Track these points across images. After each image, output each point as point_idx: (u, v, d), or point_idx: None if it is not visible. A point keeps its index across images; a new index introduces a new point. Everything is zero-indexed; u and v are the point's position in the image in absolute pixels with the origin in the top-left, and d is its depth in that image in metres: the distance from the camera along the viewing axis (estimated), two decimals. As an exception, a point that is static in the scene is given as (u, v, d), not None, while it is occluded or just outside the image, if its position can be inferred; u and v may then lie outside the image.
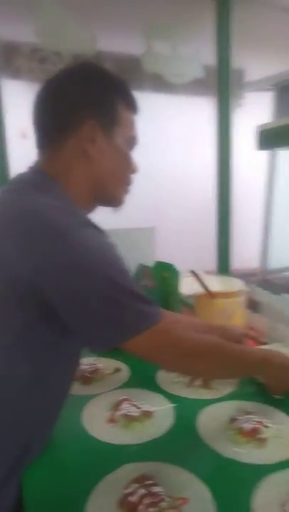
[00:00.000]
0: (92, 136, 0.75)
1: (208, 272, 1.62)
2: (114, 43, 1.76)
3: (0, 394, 0.69)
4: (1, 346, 0.67)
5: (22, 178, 0.77)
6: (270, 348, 1.03)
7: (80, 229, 0.66)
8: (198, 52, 1.54)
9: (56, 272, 0.62)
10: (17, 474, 0.70)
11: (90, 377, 1.03)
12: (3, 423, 0.69)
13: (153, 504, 0.59)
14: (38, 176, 0.75)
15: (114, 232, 1.45)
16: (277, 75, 1.80)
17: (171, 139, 2.02)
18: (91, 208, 0.81)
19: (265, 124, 1.08)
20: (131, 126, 0.82)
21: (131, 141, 0.82)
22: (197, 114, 2.03)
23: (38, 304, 0.65)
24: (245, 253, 2.19)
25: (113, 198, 0.82)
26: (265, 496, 0.64)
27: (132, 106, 0.81)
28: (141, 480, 0.64)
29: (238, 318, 1.27)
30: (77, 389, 0.99)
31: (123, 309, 0.66)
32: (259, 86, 1.99)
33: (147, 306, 0.68)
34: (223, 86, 1.53)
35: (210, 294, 1.25)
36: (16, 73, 2.34)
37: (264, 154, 2.12)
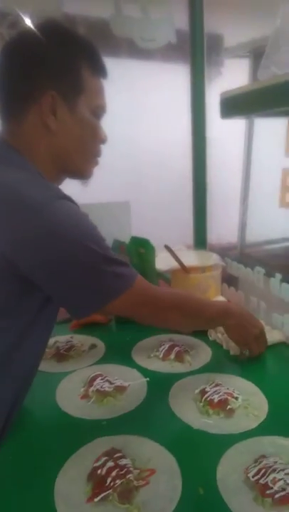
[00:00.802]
0: (53, 109, 0.70)
1: (187, 247, 1.62)
2: (86, 5, 1.67)
3: None
4: None
5: None
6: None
7: (55, 201, 0.65)
8: (171, 16, 1.46)
9: (33, 244, 0.63)
10: None
11: (65, 355, 1.04)
12: None
13: (120, 476, 0.61)
14: (4, 150, 0.72)
15: (88, 206, 1.43)
16: (252, 40, 1.75)
17: (146, 109, 1.96)
18: (58, 180, 0.79)
19: (227, 92, 1.04)
20: (98, 93, 0.76)
21: (98, 110, 0.76)
22: (173, 82, 1.97)
23: (18, 278, 0.65)
24: (225, 227, 2.19)
25: (80, 171, 0.79)
26: (229, 464, 0.66)
27: (99, 71, 0.75)
28: (110, 453, 0.66)
29: (213, 292, 1.29)
30: (52, 366, 1.00)
31: (101, 274, 0.68)
32: (237, 52, 1.93)
33: (123, 268, 0.71)
34: (197, 51, 1.47)
35: (185, 269, 1.25)
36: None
37: (242, 124, 2.08)
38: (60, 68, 0.71)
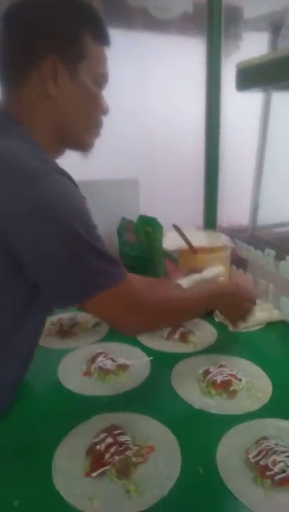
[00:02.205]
0: (54, 74, 0.67)
1: (197, 228, 1.59)
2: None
3: None
4: None
5: None
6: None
7: (49, 174, 0.61)
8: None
9: (20, 216, 0.59)
10: None
11: (68, 332, 1.04)
12: None
13: (119, 452, 0.61)
14: (2, 120, 0.69)
15: (96, 183, 1.42)
16: (273, 12, 1.66)
17: (159, 83, 1.89)
18: (58, 152, 0.76)
19: (244, 62, 0.98)
20: (100, 61, 0.73)
21: (100, 79, 0.73)
22: (188, 56, 1.89)
23: (6, 255, 0.62)
24: (236, 209, 2.14)
25: (81, 142, 0.76)
26: (230, 444, 0.66)
27: (102, 38, 0.72)
28: (110, 430, 0.66)
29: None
30: (55, 342, 1.00)
31: (83, 264, 0.62)
32: (256, 25, 1.84)
33: (110, 264, 0.65)
34: (214, 23, 1.40)
35: (192, 249, 1.23)
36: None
37: (258, 102, 2.01)
38: (61, 32, 0.68)
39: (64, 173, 0.65)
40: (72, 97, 0.70)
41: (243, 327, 1.04)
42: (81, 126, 0.74)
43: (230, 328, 1.05)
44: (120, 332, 0.76)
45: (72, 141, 0.75)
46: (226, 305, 0.94)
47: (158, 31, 1.83)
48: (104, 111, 0.76)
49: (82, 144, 0.76)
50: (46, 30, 0.67)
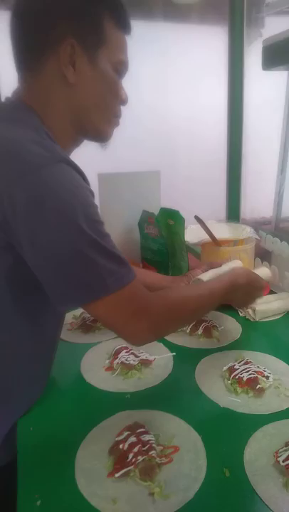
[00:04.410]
0: (72, 59, 0.64)
1: (218, 221, 1.55)
2: None
3: None
4: None
5: None
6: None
7: (56, 163, 0.58)
8: None
9: (22, 205, 0.55)
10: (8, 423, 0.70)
11: (91, 326, 1.02)
12: None
13: (142, 452, 0.59)
14: (14, 107, 0.67)
15: (117, 175, 1.40)
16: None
17: (180, 74, 1.85)
18: (75, 142, 0.73)
19: (271, 38, 0.92)
20: (120, 48, 0.69)
21: (120, 67, 0.70)
22: (210, 45, 1.84)
23: (11, 249, 0.59)
24: (260, 201, 2.09)
25: (98, 131, 0.72)
26: (258, 446, 0.63)
27: (123, 24, 0.68)
28: (133, 428, 0.64)
29: (245, 266, 1.22)
30: (77, 337, 0.99)
31: (86, 262, 0.57)
32: (279, 7, 1.76)
33: (116, 264, 0.59)
34: (236, 9, 1.35)
35: (216, 242, 1.20)
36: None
37: (283, 90, 1.94)
38: (80, 15, 0.64)
39: (70, 163, 0.61)
40: (91, 84, 0.67)
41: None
42: (100, 114, 0.70)
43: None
44: (127, 341, 0.67)
45: (90, 130, 0.71)
46: (242, 295, 0.88)
47: (178, 20, 1.78)
48: (123, 100, 0.73)
49: (100, 134, 0.73)
50: (64, 12, 0.63)
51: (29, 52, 0.66)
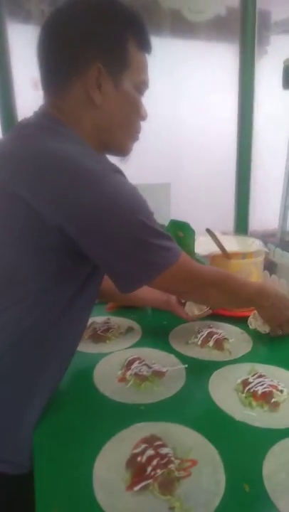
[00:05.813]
0: (98, 82, 0.68)
1: (225, 233, 1.56)
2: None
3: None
4: (34, 290, 0.67)
5: (30, 123, 0.71)
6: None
7: (110, 174, 0.65)
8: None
9: (90, 216, 0.62)
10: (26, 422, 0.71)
11: (102, 336, 1.02)
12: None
13: (161, 466, 0.58)
14: (50, 121, 0.69)
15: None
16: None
17: (189, 90, 1.88)
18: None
19: None
20: (142, 69, 0.73)
21: (141, 86, 0.74)
22: (218, 61, 1.88)
23: (71, 249, 0.65)
24: (267, 213, 2.11)
25: (121, 147, 0.77)
26: (276, 461, 0.62)
27: (145, 46, 0.72)
28: (150, 440, 0.64)
29: (254, 279, 1.23)
30: (89, 347, 0.99)
31: (149, 248, 0.67)
32: (286, 27, 1.80)
33: (169, 243, 0.70)
34: (247, 27, 1.38)
35: (226, 255, 1.20)
36: (26, 18, 2.19)
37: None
38: (107, 41, 0.68)
39: (118, 171, 0.68)
40: (116, 104, 0.71)
41: (281, 334, 1.02)
42: (123, 132, 0.76)
43: (270, 333, 1.03)
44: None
45: (113, 146, 0.76)
46: (270, 306, 0.93)
47: (189, 37, 1.82)
48: (143, 117, 0.78)
49: (122, 149, 0.78)
50: (93, 39, 0.67)
51: (58, 73, 0.70)
